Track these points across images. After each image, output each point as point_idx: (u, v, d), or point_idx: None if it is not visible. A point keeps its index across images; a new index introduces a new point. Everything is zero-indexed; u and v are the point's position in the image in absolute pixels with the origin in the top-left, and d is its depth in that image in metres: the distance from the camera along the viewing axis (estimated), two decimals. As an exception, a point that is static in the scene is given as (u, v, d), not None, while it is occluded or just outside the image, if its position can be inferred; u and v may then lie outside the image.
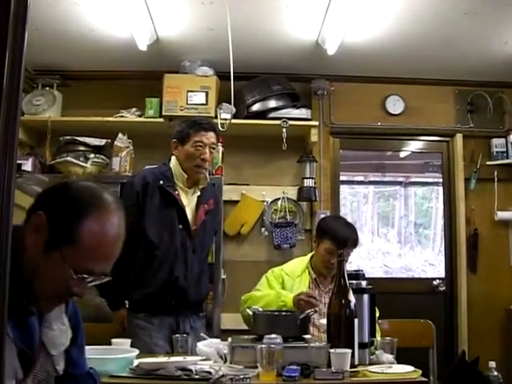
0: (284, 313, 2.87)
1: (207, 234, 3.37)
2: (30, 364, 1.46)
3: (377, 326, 3.12)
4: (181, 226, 3.20)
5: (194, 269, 3.22)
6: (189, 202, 3.27)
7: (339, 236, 3.20)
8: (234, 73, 3.28)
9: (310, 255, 3.47)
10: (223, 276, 4.22)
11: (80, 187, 1.48)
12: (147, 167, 3.89)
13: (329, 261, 3.21)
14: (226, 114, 4.19)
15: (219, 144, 4.30)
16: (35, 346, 1.48)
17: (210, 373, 2.24)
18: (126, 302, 3.26)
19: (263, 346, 2.27)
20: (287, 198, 4.64)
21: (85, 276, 1.41)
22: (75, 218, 1.39)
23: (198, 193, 3.31)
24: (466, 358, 2.50)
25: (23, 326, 1.44)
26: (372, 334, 2.67)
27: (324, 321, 2.71)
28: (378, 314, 3.16)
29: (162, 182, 3.21)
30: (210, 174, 4.15)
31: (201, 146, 3.22)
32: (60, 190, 1.48)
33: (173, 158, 3.33)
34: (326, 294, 3.23)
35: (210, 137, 3.27)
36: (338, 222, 3.47)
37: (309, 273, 3.33)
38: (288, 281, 3.28)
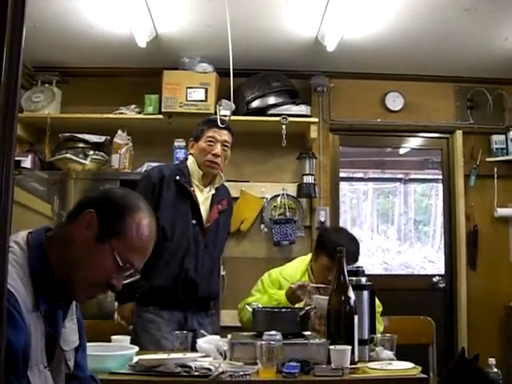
0: (284, 309, 2.86)
1: (220, 232, 3.38)
2: (52, 354, 1.57)
3: (380, 319, 3.12)
4: (194, 222, 3.24)
5: (205, 264, 3.25)
6: (204, 199, 3.31)
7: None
8: (233, 69, 3.27)
9: (310, 256, 3.35)
10: (223, 273, 4.22)
11: (121, 193, 1.71)
12: (147, 164, 3.90)
13: (326, 277, 3.01)
14: (225, 111, 4.18)
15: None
16: (58, 337, 1.60)
17: (209, 369, 2.24)
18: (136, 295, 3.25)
19: (263, 342, 2.26)
20: (287, 195, 4.64)
21: (127, 266, 1.63)
22: (121, 216, 1.61)
23: (213, 191, 3.33)
24: (466, 355, 2.49)
25: (52, 318, 1.57)
26: (372, 330, 2.67)
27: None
28: (380, 309, 3.15)
29: (178, 177, 3.26)
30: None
31: (213, 142, 3.27)
32: (103, 194, 1.70)
33: (190, 156, 3.38)
34: None
35: (223, 134, 3.32)
36: (338, 237, 3.19)
37: (308, 276, 3.26)
38: (285, 285, 3.18)
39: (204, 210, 3.29)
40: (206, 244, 3.26)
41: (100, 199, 1.66)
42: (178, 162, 3.53)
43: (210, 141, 3.27)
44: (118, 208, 1.63)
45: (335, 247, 2.80)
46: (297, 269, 3.32)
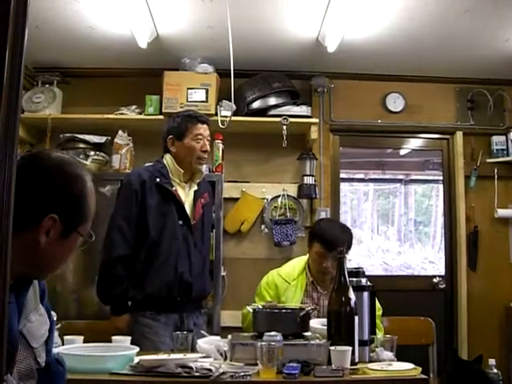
0: (284, 310, 2.87)
1: (205, 227, 3.38)
2: (11, 357, 1.46)
3: (380, 325, 3.11)
4: (181, 222, 3.21)
5: (197, 263, 3.24)
6: (186, 197, 3.28)
7: (328, 238, 3.17)
8: (234, 70, 3.27)
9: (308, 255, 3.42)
10: (223, 273, 4.22)
11: (74, 178, 1.60)
12: (147, 165, 3.89)
13: (321, 264, 3.18)
14: (226, 112, 4.19)
15: (219, 141, 4.31)
16: (14, 337, 1.48)
17: (210, 370, 2.24)
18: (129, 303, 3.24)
19: (263, 343, 2.27)
20: (287, 196, 4.64)
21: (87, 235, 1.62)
22: (81, 205, 1.58)
23: (195, 187, 3.32)
24: (463, 355, 2.50)
25: None
26: (372, 331, 2.67)
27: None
28: (380, 312, 3.15)
29: (158, 179, 3.22)
30: (209, 171, 4.17)
31: (200, 139, 3.26)
32: (56, 188, 1.56)
33: (166, 155, 3.34)
34: (325, 297, 3.21)
35: (206, 129, 3.34)
36: (329, 225, 3.42)
37: (306, 274, 3.30)
38: (282, 285, 3.24)
39: (188, 207, 3.27)
40: (195, 242, 3.25)
41: (55, 196, 1.54)
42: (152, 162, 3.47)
43: (198, 138, 3.26)
44: (76, 200, 1.57)
45: (325, 233, 3.13)
46: (294, 268, 3.36)
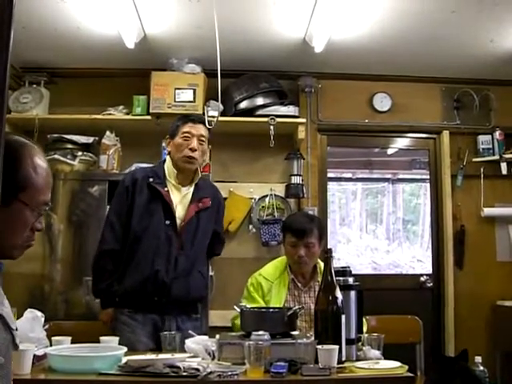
0: (271, 309, 2.88)
1: (200, 232, 3.29)
2: None
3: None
4: (168, 222, 3.20)
5: (180, 265, 3.17)
6: (181, 198, 3.27)
7: (295, 227, 3.30)
8: (221, 70, 3.28)
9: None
10: (211, 273, 4.22)
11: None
12: (135, 165, 3.90)
13: (295, 254, 3.25)
14: (213, 112, 4.19)
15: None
16: None
17: (197, 370, 2.24)
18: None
19: (251, 342, 2.27)
20: (275, 195, 4.65)
21: (44, 208, 1.56)
22: (14, 168, 1.48)
23: (191, 190, 3.31)
24: (447, 352, 2.52)
25: None
26: (359, 330, 2.68)
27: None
28: None
29: (151, 179, 3.24)
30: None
31: (188, 137, 3.25)
32: None
33: (167, 157, 3.36)
34: (306, 294, 3.28)
35: (199, 128, 3.29)
36: (296, 216, 3.79)
37: (287, 273, 3.33)
38: (266, 285, 3.28)
39: (182, 209, 3.25)
40: (182, 245, 3.20)
41: None
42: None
43: (185, 136, 3.25)
44: (8, 162, 1.52)
45: (292, 223, 3.39)
46: (276, 267, 3.40)
